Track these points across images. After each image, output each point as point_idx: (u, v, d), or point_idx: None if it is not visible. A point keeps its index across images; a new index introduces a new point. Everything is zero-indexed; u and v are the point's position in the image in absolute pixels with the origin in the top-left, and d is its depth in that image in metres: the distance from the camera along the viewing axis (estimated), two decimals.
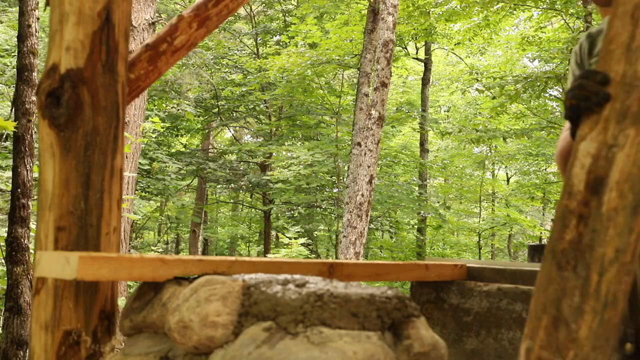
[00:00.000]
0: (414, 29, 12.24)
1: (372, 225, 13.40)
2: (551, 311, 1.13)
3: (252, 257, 1.82)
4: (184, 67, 12.96)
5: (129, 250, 8.06)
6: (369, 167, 7.81)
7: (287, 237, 9.46)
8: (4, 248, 4.75)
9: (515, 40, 12.96)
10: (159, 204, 16.42)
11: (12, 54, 9.39)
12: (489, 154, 16.66)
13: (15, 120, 4.66)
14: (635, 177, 1.13)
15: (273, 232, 16.34)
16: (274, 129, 14.32)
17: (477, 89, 13.83)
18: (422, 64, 15.58)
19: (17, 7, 5.64)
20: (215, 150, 16.08)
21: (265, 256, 10.38)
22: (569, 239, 1.16)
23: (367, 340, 1.05)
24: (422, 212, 13.69)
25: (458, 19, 11.44)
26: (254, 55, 14.39)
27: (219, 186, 16.13)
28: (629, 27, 1.17)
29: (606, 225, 1.12)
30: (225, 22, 12.13)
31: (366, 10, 10.01)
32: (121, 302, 5.22)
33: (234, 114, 14.58)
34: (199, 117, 14.27)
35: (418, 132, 15.05)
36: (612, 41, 1.19)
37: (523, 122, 13.30)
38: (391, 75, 7.94)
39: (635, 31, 1.16)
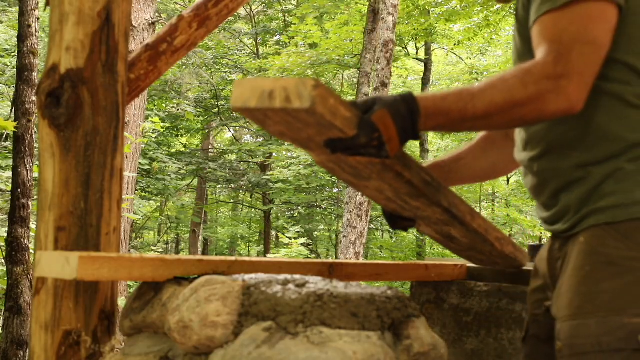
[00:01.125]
0: (414, 29, 12.22)
1: (372, 225, 13.39)
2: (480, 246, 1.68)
3: (252, 257, 1.82)
4: (184, 67, 12.96)
5: (129, 250, 8.06)
6: None
7: (287, 237, 9.47)
8: (4, 248, 4.76)
9: None
10: (159, 204, 16.41)
11: (12, 54, 9.38)
12: None
13: (15, 120, 4.66)
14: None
15: (273, 232, 16.34)
16: None
17: None
18: (422, 64, 15.56)
19: (17, 7, 5.64)
20: (215, 150, 16.07)
21: (265, 256, 10.38)
22: (454, 247, 1.70)
23: (367, 340, 1.05)
24: None
25: (458, 19, 11.43)
26: (254, 55, 14.38)
27: (219, 186, 16.13)
28: None
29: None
30: (225, 22, 12.12)
31: (366, 10, 10.00)
32: (121, 302, 5.21)
33: (234, 114, 14.57)
34: (199, 117, 14.26)
35: None
36: None
37: None
38: (391, 75, 7.94)
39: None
